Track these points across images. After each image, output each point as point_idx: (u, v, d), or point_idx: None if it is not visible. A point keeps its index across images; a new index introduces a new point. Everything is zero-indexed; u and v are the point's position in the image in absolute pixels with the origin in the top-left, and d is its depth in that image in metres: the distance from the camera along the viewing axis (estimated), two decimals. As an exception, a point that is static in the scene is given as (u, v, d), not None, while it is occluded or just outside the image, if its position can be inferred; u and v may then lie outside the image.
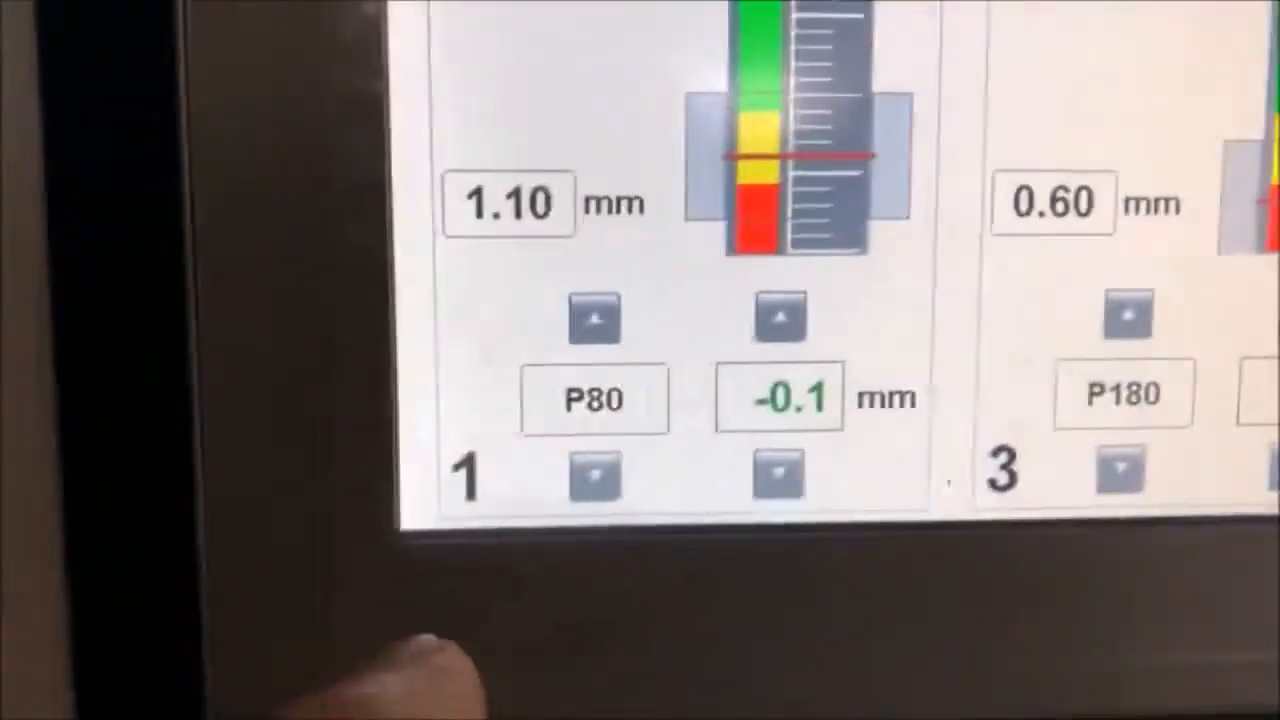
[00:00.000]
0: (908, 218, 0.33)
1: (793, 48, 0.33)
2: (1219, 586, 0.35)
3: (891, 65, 0.33)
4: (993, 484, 0.34)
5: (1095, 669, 0.35)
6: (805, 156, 0.33)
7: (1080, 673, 0.35)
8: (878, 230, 0.33)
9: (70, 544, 0.33)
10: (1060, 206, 0.34)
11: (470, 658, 0.23)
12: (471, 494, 0.34)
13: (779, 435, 0.34)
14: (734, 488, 0.34)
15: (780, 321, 0.34)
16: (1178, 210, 0.34)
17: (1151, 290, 0.34)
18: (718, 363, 0.34)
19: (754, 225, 0.33)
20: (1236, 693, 0.35)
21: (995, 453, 0.34)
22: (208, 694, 0.33)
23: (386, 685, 0.21)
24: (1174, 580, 0.35)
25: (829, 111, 0.33)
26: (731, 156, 0.33)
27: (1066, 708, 0.35)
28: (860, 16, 0.33)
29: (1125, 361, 0.34)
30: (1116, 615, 0.35)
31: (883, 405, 0.34)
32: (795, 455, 0.34)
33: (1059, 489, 0.35)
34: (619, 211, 0.33)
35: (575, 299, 0.33)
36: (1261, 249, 0.34)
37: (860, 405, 0.34)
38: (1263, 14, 0.33)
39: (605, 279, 0.33)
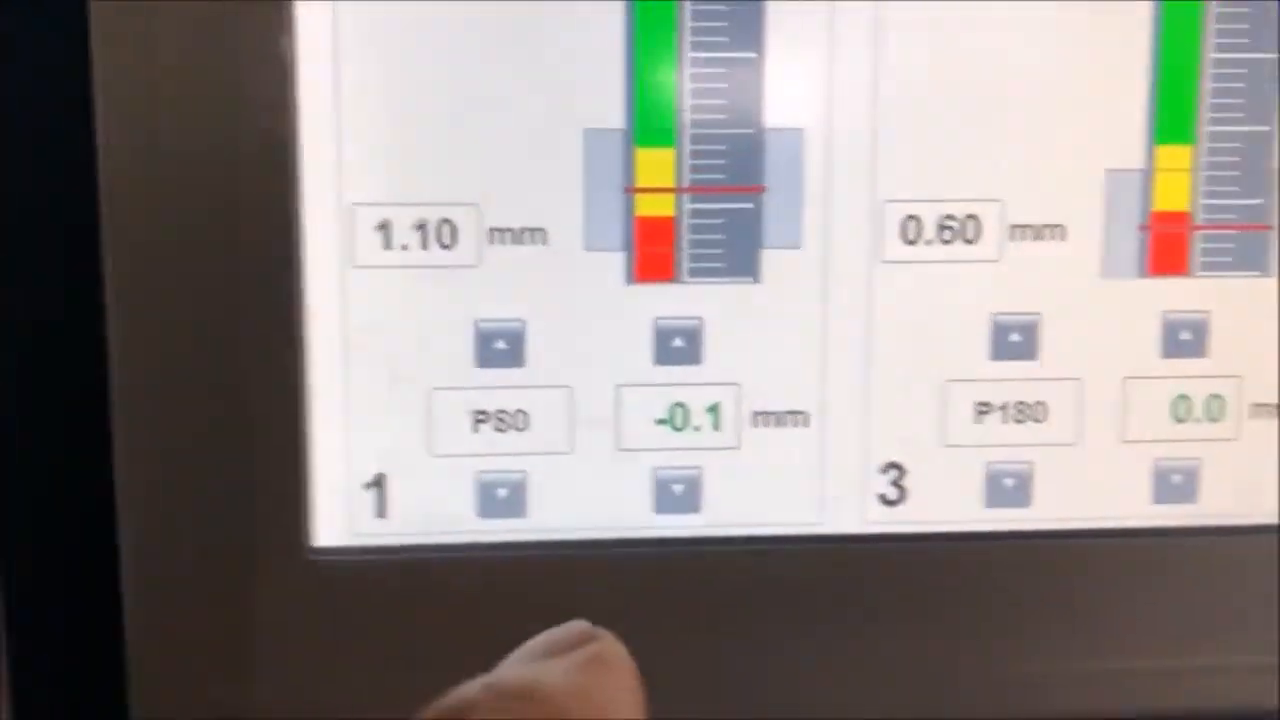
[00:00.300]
0: (799, 247, 0.35)
1: (688, 86, 0.34)
2: (1105, 598, 0.37)
3: (782, 102, 0.34)
4: (883, 499, 0.36)
5: (983, 677, 0.36)
6: (700, 190, 0.34)
7: (969, 681, 0.36)
8: (770, 259, 0.35)
9: None
10: (947, 235, 0.35)
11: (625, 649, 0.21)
12: (382, 512, 0.35)
13: (678, 454, 0.36)
14: (635, 504, 0.36)
15: (678, 346, 0.35)
16: (1062, 237, 0.35)
17: (1037, 314, 0.36)
18: (619, 385, 0.35)
19: (652, 255, 0.35)
20: (1123, 700, 0.37)
21: (885, 469, 0.36)
22: (130, 710, 0.34)
23: (547, 674, 0.20)
24: (1061, 592, 0.36)
25: (723, 147, 0.34)
26: (629, 190, 0.34)
27: (955, 716, 0.36)
28: (753, 55, 0.34)
29: (1012, 382, 0.36)
30: (1004, 626, 0.36)
31: (777, 424, 0.36)
32: (694, 472, 0.36)
33: (948, 504, 0.36)
34: (522, 242, 0.34)
35: (481, 325, 0.35)
36: (1143, 273, 0.36)
37: (755, 425, 0.36)
38: (1142, 46, 0.35)
39: (510, 307, 0.35)
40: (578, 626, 0.21)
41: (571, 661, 0.20)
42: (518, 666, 0.20)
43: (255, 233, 0.33)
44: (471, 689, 0.19)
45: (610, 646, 0.21)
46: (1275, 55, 0.35)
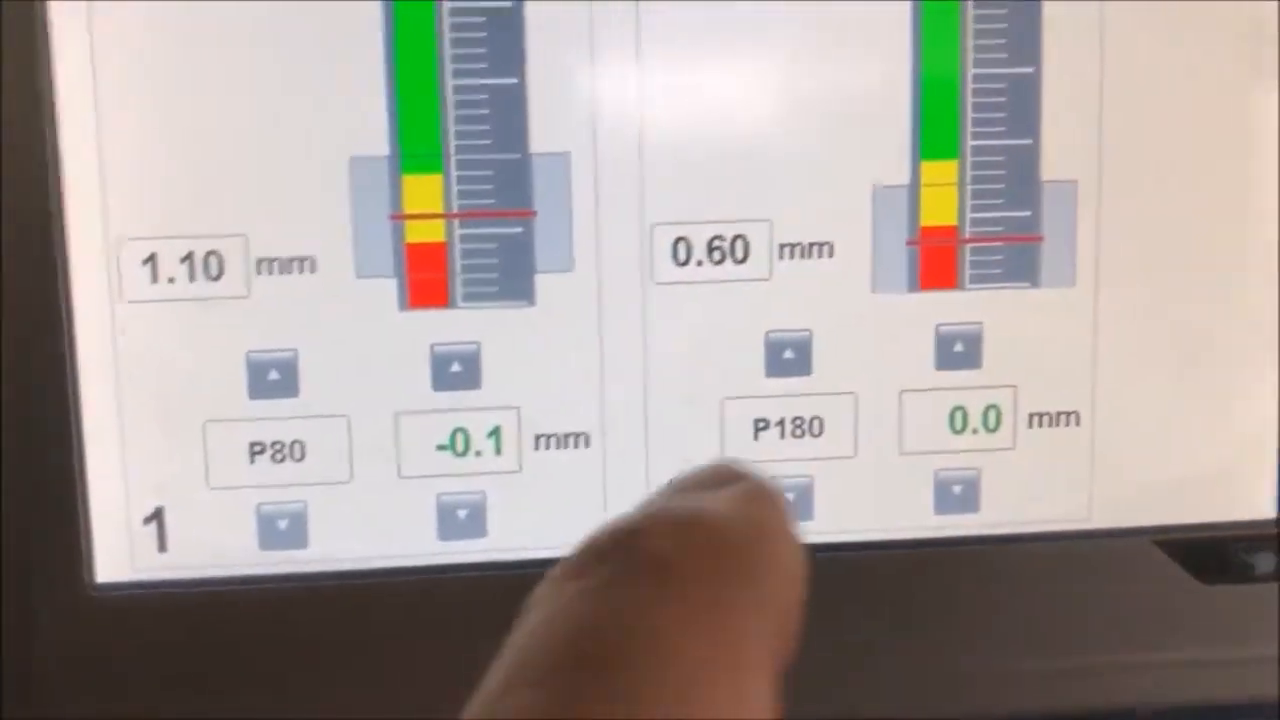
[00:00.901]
0: (572, 270, 0.35)
1: (451, 112, 0.34)
2: (887, 609, 0.37)
3: (547, 126, 0.35)
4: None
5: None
6: (469, 215, 0.35)
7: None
8: (544, 283, 0.35)
9: None
10: (717, 255, 0.35)
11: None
12: (163, 546, 0.35)
13: (460, 479, 0.36)
14: (418, 531, 0.36)
15: (456, 371, 0.35)
16: (831, 254, 0.36)
17: (810, 330, 0.36)
18: (397, 412, 0.35)
19: (424, 281, 0.35)
20: (913, 708, 0.37)
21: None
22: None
23: (711, 501, 0.18)
24: (842, 605, 0.37)
25: (490, 172, 0.35)
26: (398, 217, 0.34)
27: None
28: (514, 81, 0.34)
29: (788, 398, 0.36)
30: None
31: (558, 446, 0.36)
32: (477, 497, 0.36)
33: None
34: (291, 272, 0.34)
35: (252, 356, 0.35)
36: (914, 288, 0.36)
37: (537, 448, 0.36)
38: (903, 65, 0.35)
39: (282, 337, 0.35)
40: (727, 463, 0.20)
41: (732, 493, 0.19)
42: (674, 497, 0.19)
43: (20, 270, 0.33)
44: (632, 516, 0.18)
45: (767, 482, 0.19)
46: (1034, 69, 0.36)
